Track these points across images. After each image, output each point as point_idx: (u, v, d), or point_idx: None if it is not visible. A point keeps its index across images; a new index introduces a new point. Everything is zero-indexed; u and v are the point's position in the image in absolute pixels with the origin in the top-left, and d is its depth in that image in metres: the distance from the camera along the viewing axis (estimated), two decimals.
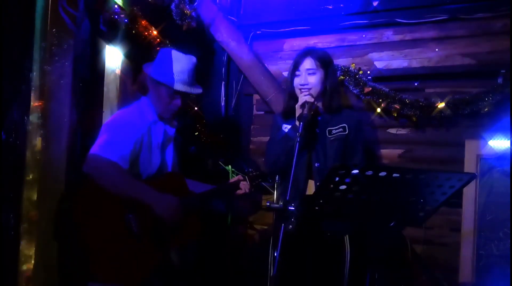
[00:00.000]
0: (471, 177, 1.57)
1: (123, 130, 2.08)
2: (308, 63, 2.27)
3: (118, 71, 2.92)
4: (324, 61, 2.30)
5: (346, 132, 2.26)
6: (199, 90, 2.28)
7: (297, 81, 2.29)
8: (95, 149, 2.01)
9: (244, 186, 2.43)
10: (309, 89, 2.25)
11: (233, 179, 2.48)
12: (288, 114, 2.34)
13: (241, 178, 2.45)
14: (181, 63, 2.21)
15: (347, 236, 2.15)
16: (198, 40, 3.19)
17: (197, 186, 2.37)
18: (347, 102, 2.90)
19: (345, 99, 2.88)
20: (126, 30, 2.55)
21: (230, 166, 2.60)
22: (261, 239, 3.18)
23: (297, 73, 2.29)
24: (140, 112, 2.21)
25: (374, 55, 2.92)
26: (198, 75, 2.29)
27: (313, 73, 2.26)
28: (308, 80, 2.25)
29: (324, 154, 2.23)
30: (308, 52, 2.31)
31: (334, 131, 2.26)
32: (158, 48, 2.54)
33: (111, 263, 1.95)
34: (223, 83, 3.33)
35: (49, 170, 2.24)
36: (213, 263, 3.08)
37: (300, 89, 2.26)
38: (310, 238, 2.16)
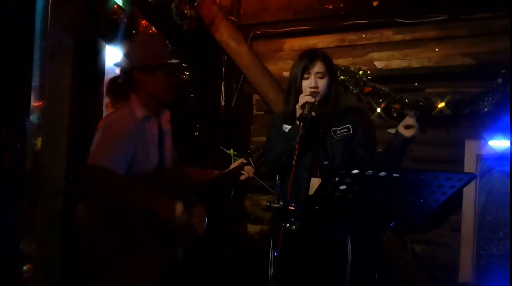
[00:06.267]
0: (471, 177, 1.57)
1: (111, 132, 1.96)
2: (318, 66, 2.26)
3: (118, 71, 2.92)
4: (331, 65, 2.32)
5: (351, 132, 2.30)
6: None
7: (306, 83, 2.26)
8: (88, 159, 1.89)
9: (248, 170, 2.31)
10: (318, 92, 2.25)
11: (235, 163, 2.35)
12: (290, 115, 2.32)
13: (244, 161, 2.32)
14: (156, 40, 2.21)
15: (349, 236, 2.15)
16: (198, 40, 3.19)
17: (199, 173, 2.32)
18: (347, 102, 2.90)
19: (345, 99, 2.89)
20: (126, 30, 2.55)
21: (232, 150, 2.48)
22: (261, 238, 3.18)
23: (305, 75, 2.27)
24: (130, 111, 2.09)
25: (374, 55, 2.93)
26: None
27: (322, 77, 2.26)
28: (318, 83, 2.25)
29: (332, 153, 2.26)
30: (317, 54, 2.29)
31: (338, 132, 2.30)
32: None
33: (121, 270, 1.89)
34: (223, 83, 3.33)
35: (49, 170, 2.24)
36: (212, 262, 3.08)
37: (310, 92, 2.24)
38: (311, 238, 2.16)
